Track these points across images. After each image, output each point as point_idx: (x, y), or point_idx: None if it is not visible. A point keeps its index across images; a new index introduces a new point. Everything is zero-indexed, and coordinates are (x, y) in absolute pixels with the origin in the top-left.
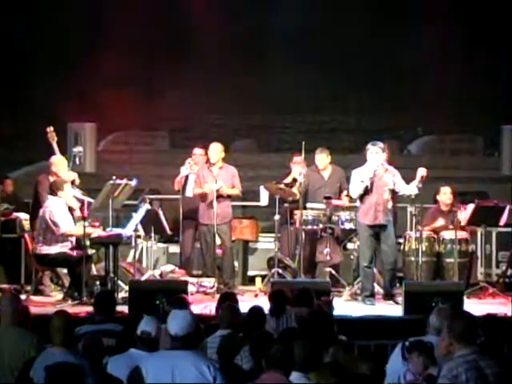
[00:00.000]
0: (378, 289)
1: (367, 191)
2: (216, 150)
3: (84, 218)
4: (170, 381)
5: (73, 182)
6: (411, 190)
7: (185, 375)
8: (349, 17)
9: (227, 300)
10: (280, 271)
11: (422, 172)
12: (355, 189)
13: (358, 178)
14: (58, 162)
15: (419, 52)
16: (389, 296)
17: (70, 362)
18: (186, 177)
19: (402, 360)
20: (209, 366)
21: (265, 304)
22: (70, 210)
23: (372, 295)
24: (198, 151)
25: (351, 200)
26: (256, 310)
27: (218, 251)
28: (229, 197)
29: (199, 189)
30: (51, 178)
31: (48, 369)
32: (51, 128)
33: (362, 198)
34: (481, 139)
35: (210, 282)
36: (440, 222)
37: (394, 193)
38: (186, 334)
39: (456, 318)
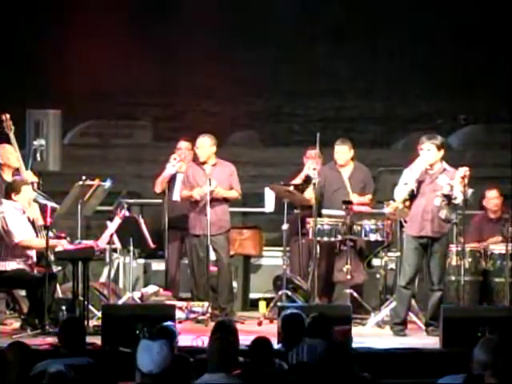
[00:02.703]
0: (412, 317)
1: (415, 195)
2: (204, 145)
3: (47, 227)
4: None
5: (32, 184)
6: (460, 196)
7: None
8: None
9: (224, 329)
10: (289, 293)
11: (461, 172)
12: (399, 192)
13: (408, 178)
14: (4, 152)
15: (462, 24)
16: (432, 325)
17: None
18: (173, 176)
19: None
20: None
21: (271, 334)
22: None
23: (404, 323)
24: (183, 145)
25: (376, 206)
26: (261, 343)
27: (213, 269)
28: (226, 201)
29: (187, 191)
30: (5, 175)
31: None
32: (7, 115)
33: (411, 203)
34: None
35: (202, 307)
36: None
37: (450, 199)
38: (163, 372)
39: (503, 351)
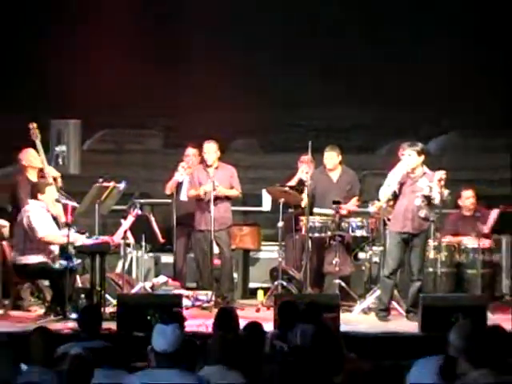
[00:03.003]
0: (394, 305)
1: (397, 196)
2: (211, 150)
3: (68, 224)
4: None
5: (55, 180)
6: (438, 196)
7: None
8: (366, 5)
9: (226, 315)
10: (284, 283)
11: (438, 175)
12: (383, 192)
13: (393, 180)
14: (26, 155)
15: (441, 39)
16: (411, 312)
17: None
18: (180, 182)
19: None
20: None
21: (268, 319)
22: (54, 215)
23: (387, 309)
24: (191, 151)
25: (362, 205)
26: (253, 327)
27: (216, 261)
28: (228, 199)
29: (194, 190)
30: (31, 176)
31: None
32: (34, 124)
33: (394, 202)
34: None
35: (206, 296)
36: (463, 229)
37: (429, 200)
38: (176, 351)
39: (472, 336)
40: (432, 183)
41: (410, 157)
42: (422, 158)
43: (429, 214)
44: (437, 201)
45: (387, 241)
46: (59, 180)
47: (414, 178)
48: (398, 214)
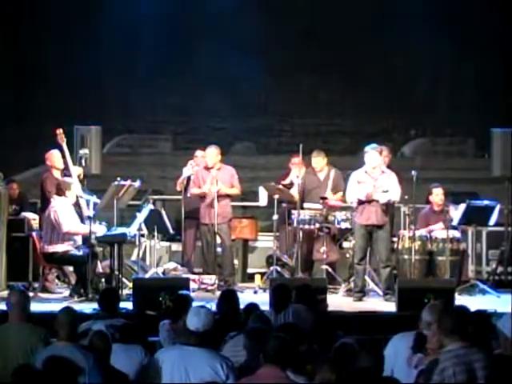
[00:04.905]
0: (372, 286)
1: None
2: (212, 154)
3: (90, 218)
4: (183, 377)
5: (79, 177)
6: (394, 196)
7: (199, 372)
8: (345, 20)
9: (228, 297)
10: (278, 269)
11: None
12: (350, 194)
13: (355, 181)
14: (50, 156)
15: (413, 56)
16: (389, 294)
17: (67, 357)
18: (189, 178)
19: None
20: (222, 364)
21: (264, 300)
22: (79, 208)
23: (361, 291)
24: (199, 153)
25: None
26: (251, 308)
27: (219, 250)
28: (228, 196)
29: (197, 189)
30: (55, 174)
31: (45, 361)
32: (61, 130)
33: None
34: (472, 142)
35: (210, 280)
36: (437, 225)
37: (389, 195)
38: (206, 331)
39: (445, 313)
40: (389, 180)
41: (370, 157)
42: (381, 158)
43: (391, 206)
44: (394, 198)
45: (355, 232)
46: (82, 177)
47: (374, 176)
48: (362, 207)
